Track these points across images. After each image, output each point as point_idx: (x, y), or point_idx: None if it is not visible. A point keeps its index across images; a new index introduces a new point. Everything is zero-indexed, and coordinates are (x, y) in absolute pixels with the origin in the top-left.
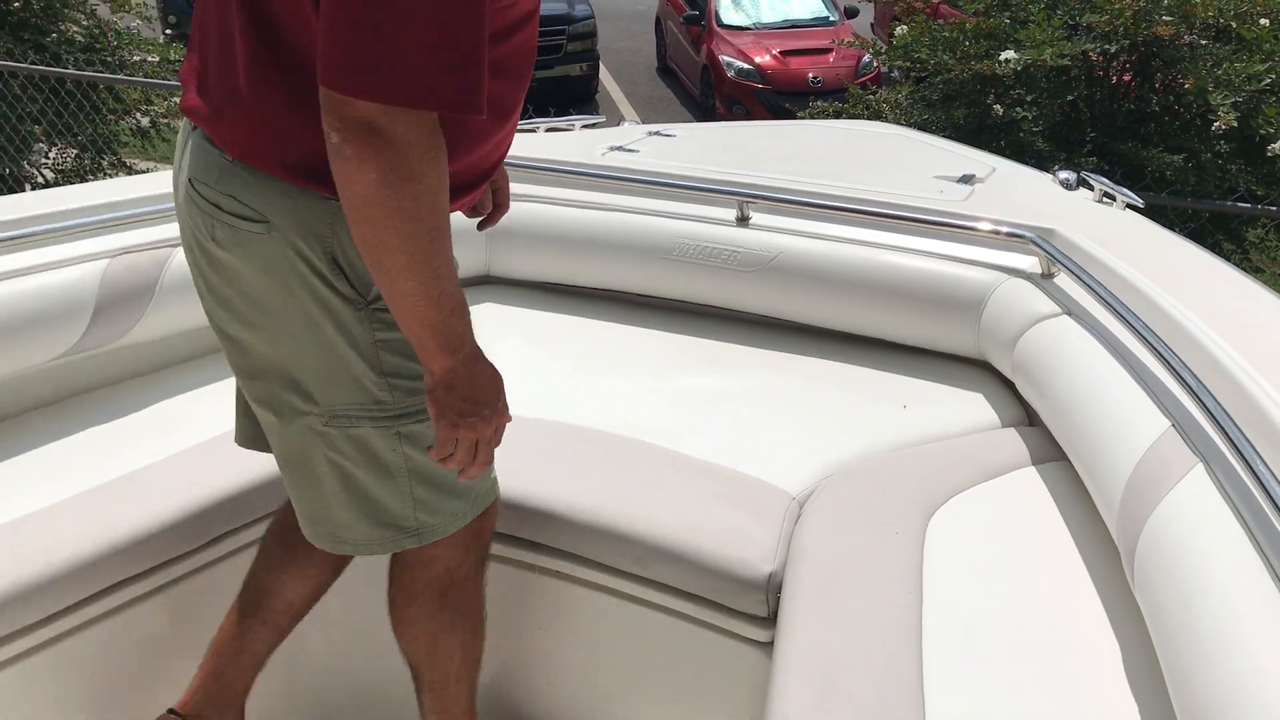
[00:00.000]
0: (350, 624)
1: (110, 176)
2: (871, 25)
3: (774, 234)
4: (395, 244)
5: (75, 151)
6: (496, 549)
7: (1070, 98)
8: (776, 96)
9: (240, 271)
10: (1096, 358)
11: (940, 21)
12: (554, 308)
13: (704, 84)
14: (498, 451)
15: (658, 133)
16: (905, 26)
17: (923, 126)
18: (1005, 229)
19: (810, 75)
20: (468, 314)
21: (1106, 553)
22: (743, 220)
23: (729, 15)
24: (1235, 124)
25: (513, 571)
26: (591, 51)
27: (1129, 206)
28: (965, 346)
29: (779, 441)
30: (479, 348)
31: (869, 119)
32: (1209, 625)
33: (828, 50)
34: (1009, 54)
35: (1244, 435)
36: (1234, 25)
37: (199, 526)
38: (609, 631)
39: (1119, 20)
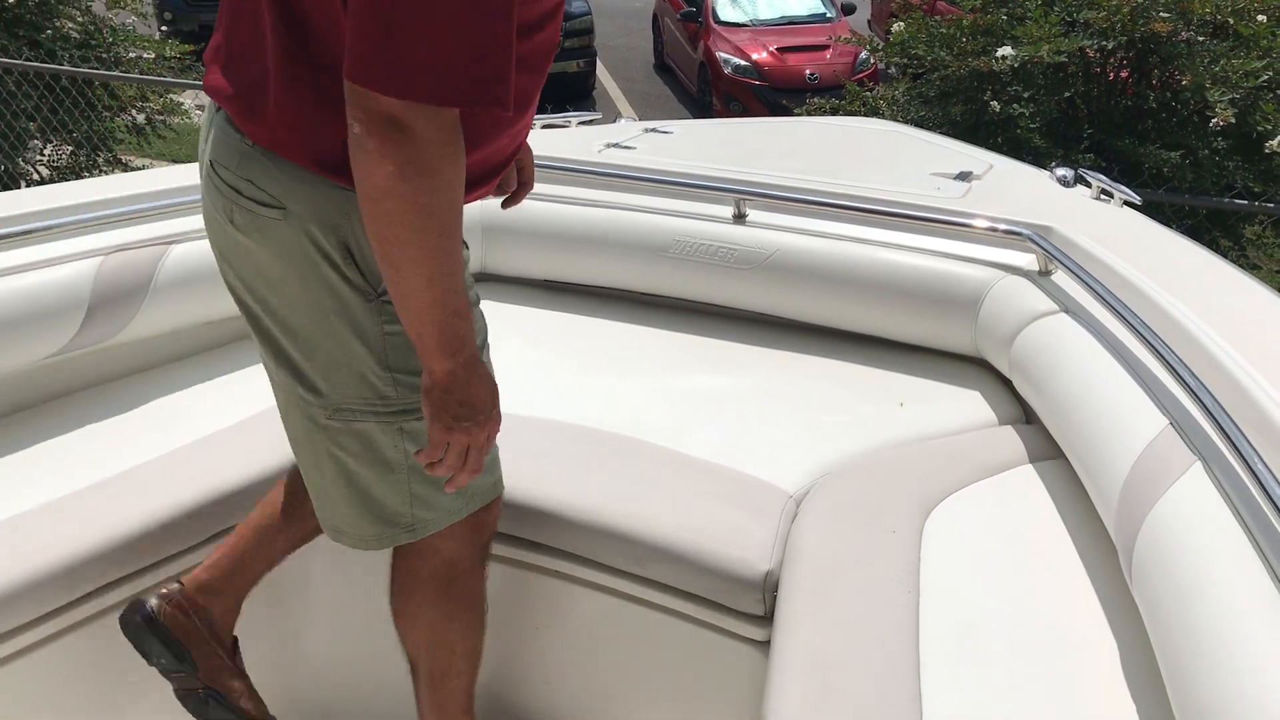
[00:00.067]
0: (348, 621)
1: (106, 173)
2: (869, 22)
3: (771, 231)
4: (407, 237)
5: (70, 148)
6: (493, 548)
7: (1067, 94)
8: (774, 93)
9: (256, 255)
10: (1094, 355)
11: (937, 18)
12: (549, 305)
13: (701, 81)
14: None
15: (654, 129)
16: (902, 23)
17: (920, 123)
18: (1002, 226)
19: (807, 72)
20: (471, 317)
21: (1104, 551)
22: (739, 218)
23: (726, 12)
24: (1233, 120)
25: (509, 570)
26: (589, 48)
27: (1126, 203)
28: (962, 344)
29: (775, 440)
30: (479, 352)
31: (866, 116)
32: (1207, 624)
33: (825, 47)
34: (1006, 50)
35: (1242, 434)
36: (1231, 22)
37: (196, 523)
38: (606, 630)
39: (1116, 17)
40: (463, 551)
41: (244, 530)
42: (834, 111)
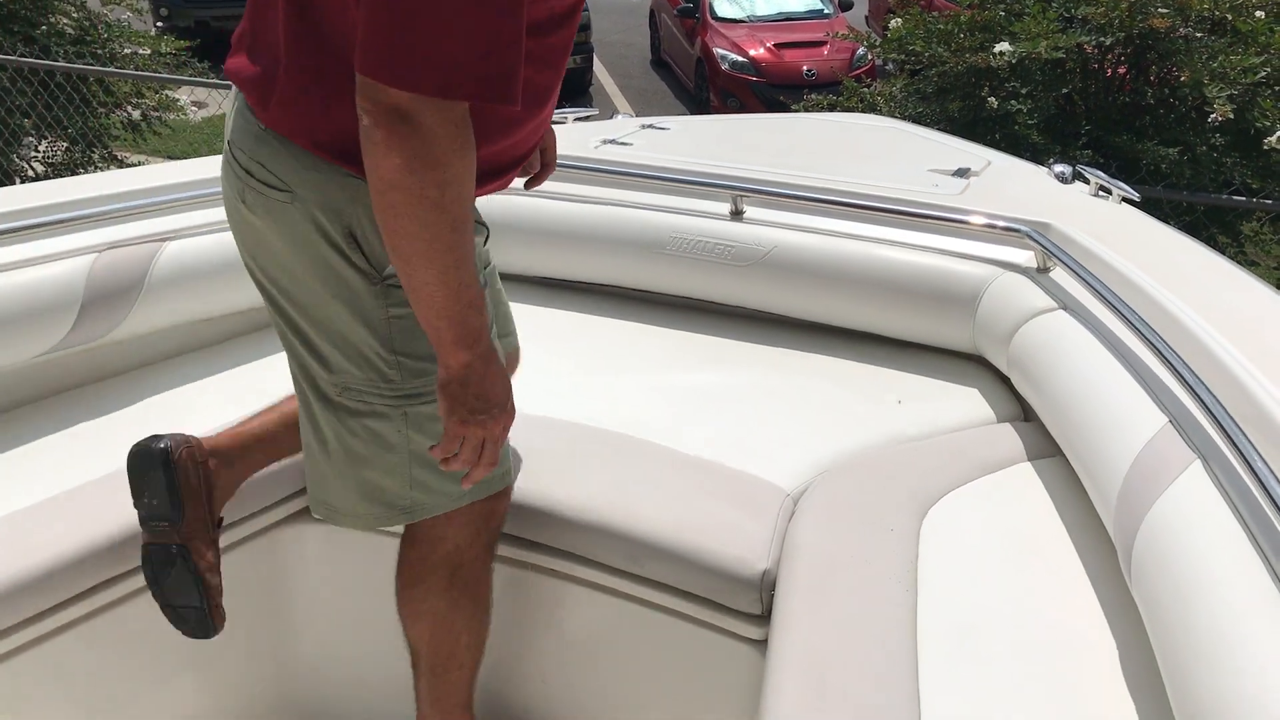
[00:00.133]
0: (342, 620)
1: (101, 170)
2: (866, 18)
3: (768, 228)
4: (416, 230)
5: (65, 145)
6: None
7: (1065, 90)
8: (771, 89)
9: (267, 236)
10: (1093, 353)
11: (935, 14)
12: (545, 302)
13: (698, 77)
14: None
15: (651, 126)
16: (900, 19)
17: (917, 119)
18: (1001, 223)
19: (804, 68)
20: (486, 310)
21: (1103, 549)
22: (737, 214)
23: (723, 8)
24: (1231, 116)
25: (504, 569)
26: (585, 44)
27: (1125, 200)
28: (960, 341)
29: (773, 437)
30: (494, 346)
31: (863, 112)
32: (1207, 623)
33: (822, 43)
34: (1004, 46)
35: (1242, 432)
36: (1230, 18)
37: None
38: (603, 629)
39: (1114, 13)
40: (471, 541)
41: (270, 415)
42: (831, 108)
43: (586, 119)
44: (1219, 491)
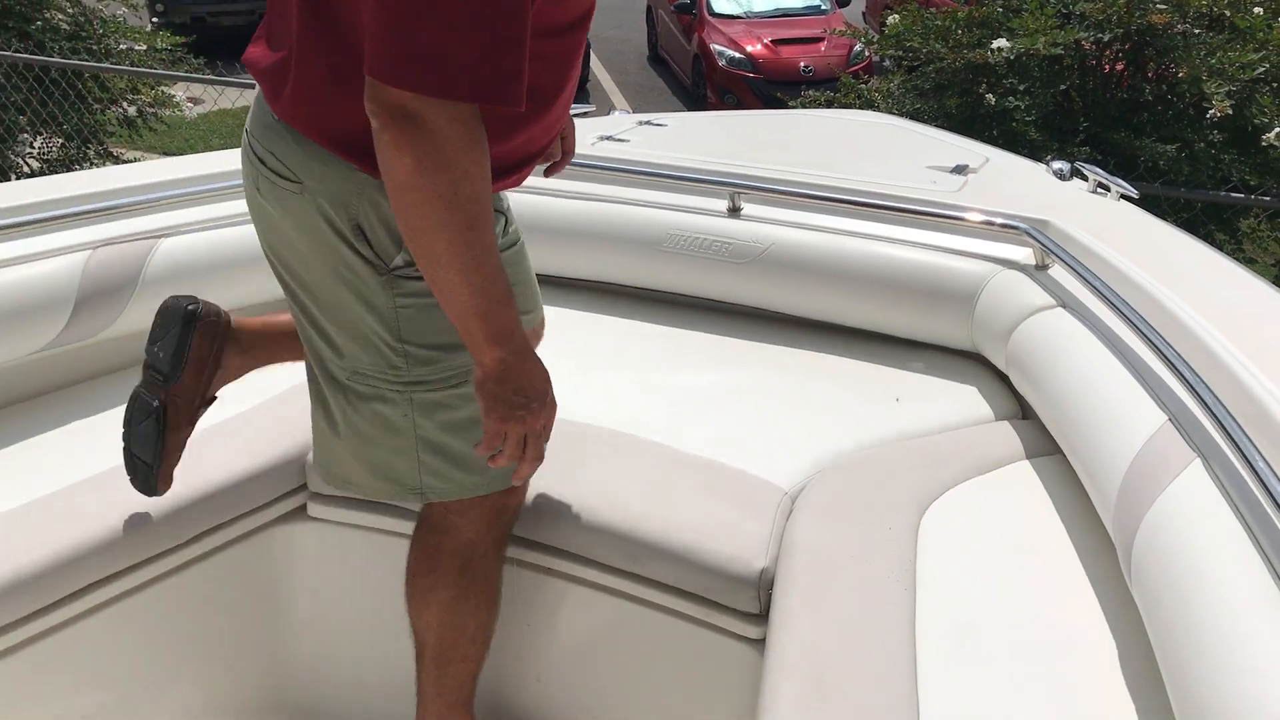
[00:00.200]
0: (340, 619)
1: (97, 166)
2: (863, 14)
3: (766, 225)
4: (434, 230)
5: (61, 141)
6: None
7: (1063, 87)
8: (768, 86)
9: (279, 224)
10: (1092, 350)
11: (932, 10)
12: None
13: (695, 73)
14: None
15: (648, 122)
16: (897, 15)
17: (915, 116)
18: (999, 220)
19: (802, 64)
20: (514, 305)
21: (1102, 548)
22: (734, 211)
23: (720, 4)
24: (1230, 112)
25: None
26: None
27: (1123, 197)
28: (959, 339)
29: (770, 435)
30: (528, 340)
31: (861, 108)
32: (1208, 623)
33: (819, 39)
34: (1001, 43)
35: (1242, 430)
36: (1228, 14)
37: (184, 520)
38: (600, 628)
39: (1112, 9)
40: (483, 534)
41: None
42: (829, 104)
43: (584, 115)
44: (1220, 491)
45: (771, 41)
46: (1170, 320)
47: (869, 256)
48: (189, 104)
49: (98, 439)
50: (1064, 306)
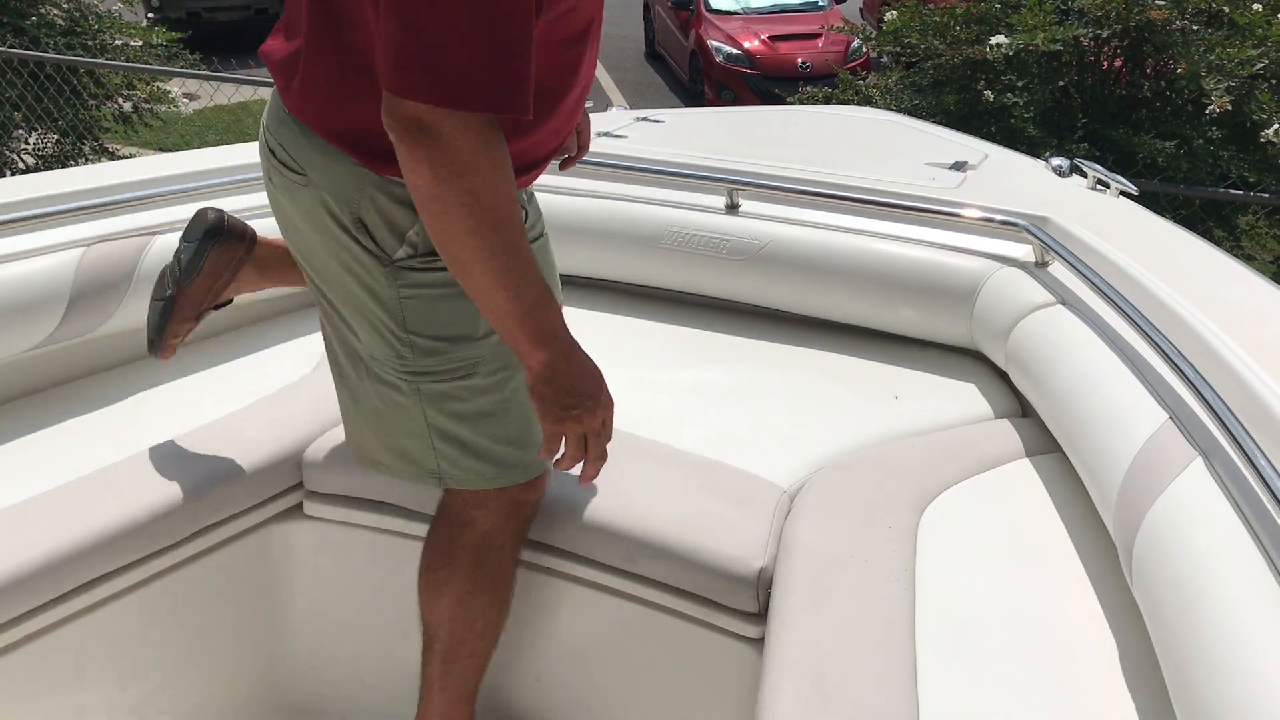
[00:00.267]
0: (339, 618)
1: (92, 162)
2: (861, 10)
3: (764, 222)
4: (462, 238)
5: (56, 137)
6: None
7: (1061, 83)
8: (765, 82)
9: (291, 214)
10: (1092, 348)
11: (930, 6)
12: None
13: (693, 69)
14: None
15: (646, 118)
16: (895, 11)
17: (913, 112)
18: (998, 217)
19: (799, 60)
20: (555, 305)
21: (1102, 547)
22: (732, 208)
23: (718, 0)
24: (1229, 108)
25: None
26: None
27: (1123, 194)
28: (958, 336)
29: (769, 434)
30: (574, 339)
31: (859, 105)
32: (1209, 622)
33: (817, 35)
34: (1000, 39)
35: (1244, 428)
36: (1227, 10)
37: (181, 519)
38: (597, 627)
39: (1111, 5)
40: (500, 528)
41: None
42: (827, 100)
43: None
44: (1221, 490)
45: (769, 38)
46: (1171, 317)
47: (867, 254)
48: (184, 100)
49: (93, 436)
50: (1064, 304)
